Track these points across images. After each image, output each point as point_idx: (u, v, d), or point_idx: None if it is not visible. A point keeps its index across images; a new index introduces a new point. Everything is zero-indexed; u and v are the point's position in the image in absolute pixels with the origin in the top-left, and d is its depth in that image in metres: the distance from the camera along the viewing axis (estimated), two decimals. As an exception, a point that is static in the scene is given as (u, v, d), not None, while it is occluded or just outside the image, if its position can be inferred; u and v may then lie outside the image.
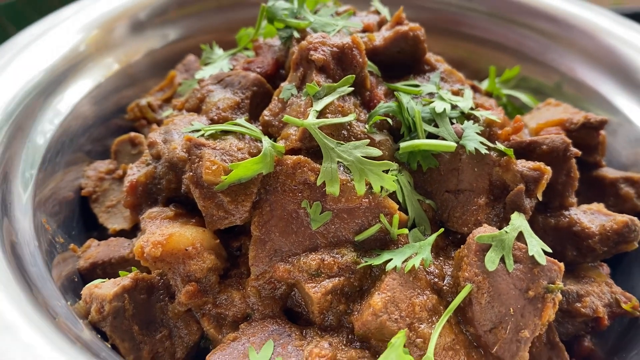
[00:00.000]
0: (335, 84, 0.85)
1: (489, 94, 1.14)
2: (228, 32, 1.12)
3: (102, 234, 0.99)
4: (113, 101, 1.16)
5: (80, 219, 1.01)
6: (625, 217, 0.86)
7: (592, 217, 0.89)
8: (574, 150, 0.87)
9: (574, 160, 0.88)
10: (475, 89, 1.11)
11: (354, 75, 0.86)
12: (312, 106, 0.84)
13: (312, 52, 0.87)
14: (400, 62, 0.98)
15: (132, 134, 1.04)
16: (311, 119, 0.81)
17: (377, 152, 0.82)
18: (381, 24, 1.04)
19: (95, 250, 0.93)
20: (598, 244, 0.86)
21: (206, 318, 0.81)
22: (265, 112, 0.90)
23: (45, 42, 1.03)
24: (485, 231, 0.77)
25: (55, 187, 0.98)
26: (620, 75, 1.10)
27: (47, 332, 0.65)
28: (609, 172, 1.01)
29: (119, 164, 1.04)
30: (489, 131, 0.89)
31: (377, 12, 1.07)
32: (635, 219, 0.87)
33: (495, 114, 0.91)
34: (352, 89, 0.86)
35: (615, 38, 1.12)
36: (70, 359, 0.65)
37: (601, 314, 0.83)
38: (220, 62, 1.02)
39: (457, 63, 1.15)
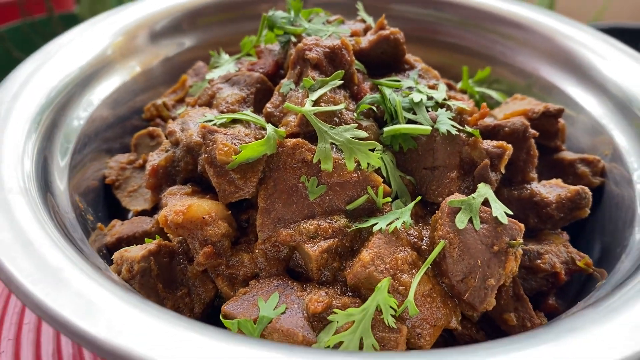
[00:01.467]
0: (327, 79, 1.00)
1: (463, 92, 1.29)
2: (233, 42, 1.27)
3: (124, 217, 1.13)
4: (129, 104, 1.30)
5: (105, 204, 1.14)
6: (577, 187, 1.01)
7: (550, 189, 1.03)
8: (532, 131, 1.01)
9: (532, 140, 1.02)
10: (450, 87, 1.27)
11: (344, 71, 1.01)
12: (308, 97, 0.99)
13: (307, 52, 1.02)
14: (383, 61, 1.13)
15: (151, 128, 1.18)
16: (307, 107, 0.96)
17: (364, 134, 0.96)
18: (366, 30, 1.19)
19: (120, 227, 1.06)
20: (555, 211, 1.01)
21: (220, 278, 0.94)
22: (268, 105, 1.05)
23: (78, 44, 1.19)
24: (456, 197, 0.92)
25: (82, 176, 1.12)
26: (577, 73, 1.25)
27: (100, 281, 0.77)
28: (567, 155, 1.16)
29: (138, 155, 1.18)
30: (459, 117, 1.04)
31: (363, 21, 1.22)
32: (586, 188, 1.01)
33: (465, 104, 1.06)
34: (342, 82, 1.01)
35: (570, 39, 1.28)
36: (124, 301, 0.77)
37: (558, 269, 0.97)
38: (227, 65, 1.17)
39: (434, 68, 1.31)
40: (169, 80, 1.34)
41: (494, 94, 1.28)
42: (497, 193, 1.03)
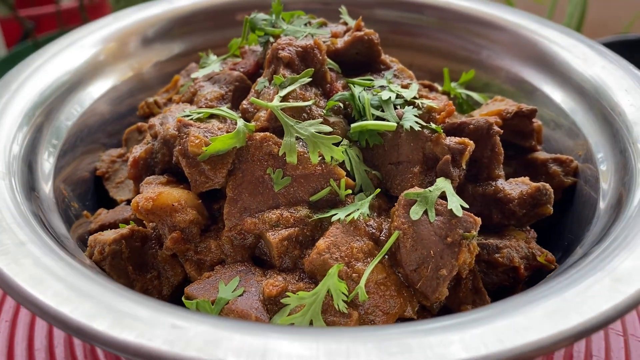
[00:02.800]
0: (297, 76, 1.05)
1: (446, 93, 1.32)
2: (223, 46, 1.33)
3: (111, 207, 1.19)
4: (127, 102, 1.38)
5: (95, 194, 1.21)
6: (538, 184, 1.02)
7: (514, 186, 1.05)
8: (496, 129, 1.04)
9: (497, 138, 1.04)
10: (432, 88, 1.30)
11: (313, 69, 1.06)
12: (278, 93, 1.04)
13: (280, 51, 1.08)
14: (359, 62, 1.17)
15: (139, 123, 1.25)
16: (275, 102, 1.01)
17: (328, 128, 1.00)
18: (347, 32, 1.24)
19: (104, 215, 1.13)
20: (517, 207, 1.02)
21: (188, 262, 0.99)
22: (244, 101, 1.10)
23: (71, 50, 1.27)
24: (413, 190, 0.95)
25: (75, 167, 1.20)
26: (558, 76, 1.27)
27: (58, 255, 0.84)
28: (540, 155, 1.17)
29: (128, 149, 1.25)
30: (428, 115, 1.07)
31: (345, 23, 1.27)
32: (547, 185, 1.03)
33: (435, 103, 1.09)
34: (311, 80, 1.06)
35: (553, 43, 1.29)
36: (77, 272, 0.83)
37: (517, 264, 0.99)
38: (213, 65, 1.23)
39: (419, 70, 1.35)
40: (164, 82, 1.41)
41: (475, 95, 1.31)
42: (462, 189, 1.05)
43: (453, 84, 1.34)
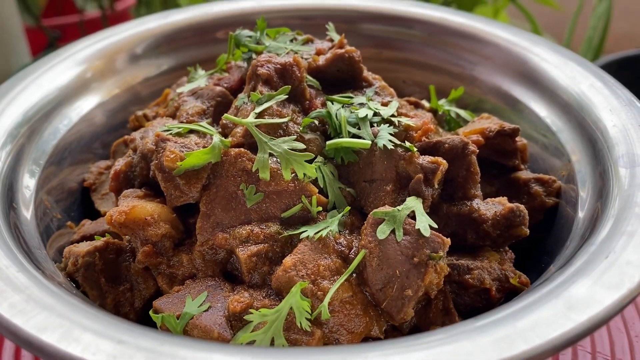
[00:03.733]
0: (274, 93, 1.06)
1: (433, 111, 1.31)
2: (210, 62, 1.35)
3: (97, 218, 1.22)
4: (120, 115, 1.41)
5: (81, 205, 1.24)
6: (512, 204, 1.01)
7: (490, 206, 1.04)
8: (472, 148, 1.03)
9: (473, 157, 1.03)
10: (418, 105, 1.30)
11: (290, 87, 1.07)
12: (254, 110, 1.05)
13: (258, 68, 1.09)
14: (341, 79, 1.18)
15: (126, 136, 1.27)
16: (250, 119, 1.02)
17: (301, 145, 1.01)
18: (332, 49, 1.24)
19: (87, 227, 1.15)
20: (491, 228, 1.01)
21: (161, 276, 1.01)
22: (223, 117, 1.12)
23: (58, 68, 1.29)
24: (382, 209, 0.94)
25: (63, 178, 1.23)
26: (546, 93, 1.25)
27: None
28: (523, 174, 1.15)
29: (115, 162, 1.27)
30: (405, 134, 1.07)
31: (332, 40, 1.27)
32: (521, 206, 1.01)
33: (413, 121, 1.08)
34: (287, 97, 1.06)
35: (543, 60, 1.28)
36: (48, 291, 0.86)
37: (488, 285, 0.97)
38: (200, 80, 1.25)
39: (399, 85, 1.35)
40: (158, 95, 1.43)
41: (462, 112, 1.30)
42: (437, 208, 1.05)
43: (442, 101, 1.33)
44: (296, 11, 1.48)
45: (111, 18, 3.26)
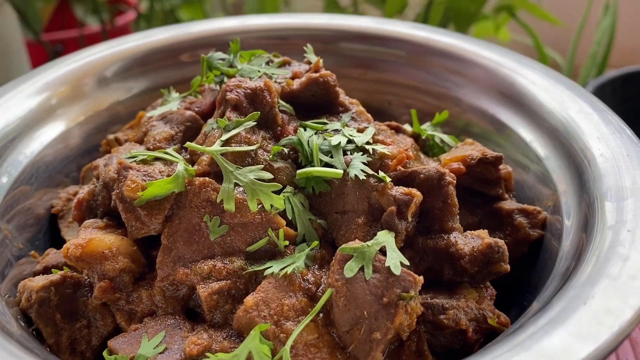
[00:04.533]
0: (243, 119, 1.01)
1: (416, 135, 1.26)
2: (185, 84, 1.30)
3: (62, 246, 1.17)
4: (97, 137, 1.36)
5: (48, 232, 1.19)
6: (490, 240, 0.95)
7: (469, 240, 0.98)
8: (448, 179, 0.97)
9: (450, 188, 0.98)
10: (399, 130, 1.24)
11: (259, 112, 1.02)
12: (221, 137, 1.00)
13: (227, 93, 1.04)
14: (315, 104, 1.12)
15: (94, 162, 1.23)
16: (215, 147, 0.97)
17: (268, 175, 0.96)
18: (308, 72, 1.19)
19: (51, 256, 1.10)
20: (469, 264, 0.95)
21: (119, 312, 0.95)
22: (186, 144, 1.07)
23: (19, 95, 1.25)
24: (350, 244, 0.89)
25: (30, 204, 1.18)
26: (532, 118, 1.20)
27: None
28: (506, 204, 1.09)
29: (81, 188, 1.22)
30: (380, 162, 1.01)
31: (310, 62, 1.22)
32: (500, 241, 0.95)
33: (389, 149, 1.03)
34: (256, 123, 1.01)
35: (530, 82, 1.23)
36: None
37: (464, 326, 0.91)
38: (172, 103, 1.21)
39: (385, 107, 1.30)
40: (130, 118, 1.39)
41: (446, 137, 1.24)
42: (412, 242, 0.99)
43: (426, 125, 1.28)
44: (277, 31, 1.44)
45: (111, 32, 3.24)
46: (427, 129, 1.27)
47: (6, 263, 1.03)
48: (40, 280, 0.95)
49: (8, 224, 1.08)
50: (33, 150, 1.19)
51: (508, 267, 0.96)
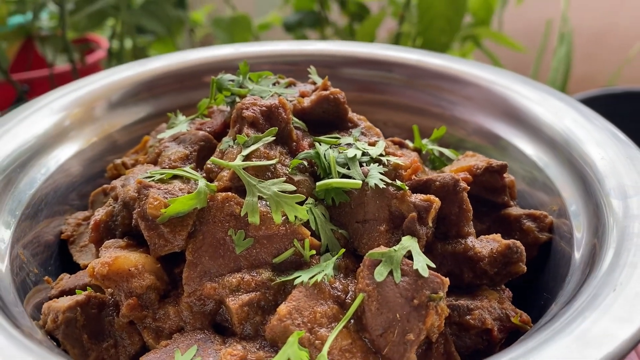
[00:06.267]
0: (261, 135, 1.04)
1: (417, 150, 1.30)
2: (191, 108, 1.32)
3: (75, 271, 1.15)
4: (97, 164, 1.36)
5: (58, 258, 1.18)
6: (508, 241, 0.99)
7: (485, 243, 1.02)
8: (463, 185, 1.01)
9: (464, 194, 1.02)
10: (402, 145, 1.29)
11: (277, 128, 1.05)
12: (241, 152, 1.02)
13: (244, 111, 1.06)
14: (326, 120, 1.16)
15: (105, 185, 1.23)
16: (237, 162, 0.99)
17: (291, 187, 0.98)
18: (315, 91, 1.23)
19: (66, 281, 1.09)
20: (488, 266, 0.99)
21: (146, 330, 0.95)
22: (208, 161, 1.08)
23: (34, 117, 1.25)
24: (377, 250, 0.91)
25: (39, 231, 1.17)
26: (529, 129, 1.26)
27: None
28: (513, 210, 1.14)
29: (94, 212, 1.22)
30: (394, 173, 1.05)
31: (314, 83, 1.27)
32: (518, 242, 1.00)
33: (401, 160, 1.07)
34: (274, 139, 1.04)
35: (523, 97, 1.29)
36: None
37: (489, 326, 0.94)
38: (181, 125, 1.22)
39: (388, 127, 1.34)
40: (136, 143, 1.39)
41: (446, 151, 1.29)
42: (432, 247, 1.02)
43: (425, 141, 1.33)
44: (276, 57, 1.48)
45: (82, 71, 3.23)
46: (426, 144, 1.32)
47: (25, 288, 1.02)
48: (66, 301, 0.94)
49: (24, 249, 1.07)
50: (45, 174, 1.18)
51: (525, 267, 1.00)
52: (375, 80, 1.48)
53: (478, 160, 1.17)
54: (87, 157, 1.37)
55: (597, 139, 1.13)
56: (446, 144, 1.36)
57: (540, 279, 1.08)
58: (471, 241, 1.01)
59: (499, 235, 1.04)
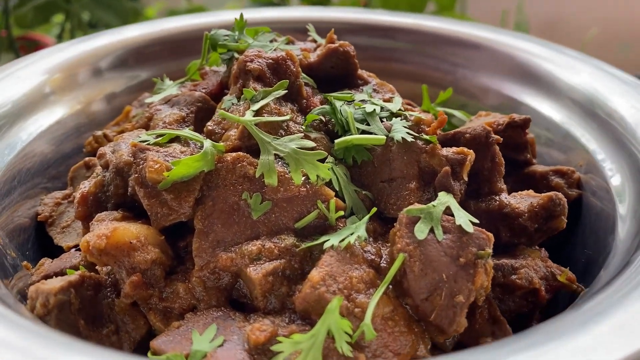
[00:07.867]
0: (271, 89, 0.93)
1: (425, 112, 1.21)
2: (181, 75, 1.20)
3: (56, 256, 1.01)
4: (73, 141, 1.22)
5: (36, 242, 1.03)
6: (550, 193, 0.92)
7: (521, 199, 0.94)
8: (495, 136, 0.93)
9: (497, 147, 0.94)
10: (411, 106, 1.20)
11: (288, 80, 0.94)
12: (249, 108, 0.91)
13: (248, 63, 0.95)
14: (335, 76, 1.06)
15: (87, 158, 1.09)
16: (248, 117, 0.88)
17: (311, 143, 0.87)
18: (318, 47, 1.13)
19: (48, 265, 0.94)
20: (528, 221, 0.91)
21: (153, 312, 0.82)
22: (209, 123, 0.96)
23: (12, 80, 1.11)
24: (414, 207, 0.82)
25: (11, 214, 1.02)
26: (540, 86, 1.19)
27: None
28: (538, 167, 1.07)
29: (75, 189, 1.07)
30: (417, 127, 0.96)
31: (314, 41, 1.16)
32: (559, 194, 0.92)
33: (423, 114, 0.98)
34: (286, 93, 0.93)
35: (528, 53, 1.23)
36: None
37: (537, 285, 0.86)
38: (169, 90, 1.09)
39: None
40: (114, 116, 1.25)
41: (457, 113, 1.21)
42: (464, 206, 0.92)
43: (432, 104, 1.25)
44: (277, 23, 1.36)
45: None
46: (434, 106, 1.24)
47: (6, 273, 0.87)
48: (57, 282, 0.80)
49: (1, 231, 0.92)
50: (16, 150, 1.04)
51: (566, 221, 0.92)
52: (376, 47, 1.39)
53: (497, 117, 1.09)
54: (59, 133, 1.22)
55: (619, 90, 1.07)
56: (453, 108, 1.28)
57: (575, 237, 1.01)
58: (505, 197, 0.93)
59: (531, 191, 0.97)
